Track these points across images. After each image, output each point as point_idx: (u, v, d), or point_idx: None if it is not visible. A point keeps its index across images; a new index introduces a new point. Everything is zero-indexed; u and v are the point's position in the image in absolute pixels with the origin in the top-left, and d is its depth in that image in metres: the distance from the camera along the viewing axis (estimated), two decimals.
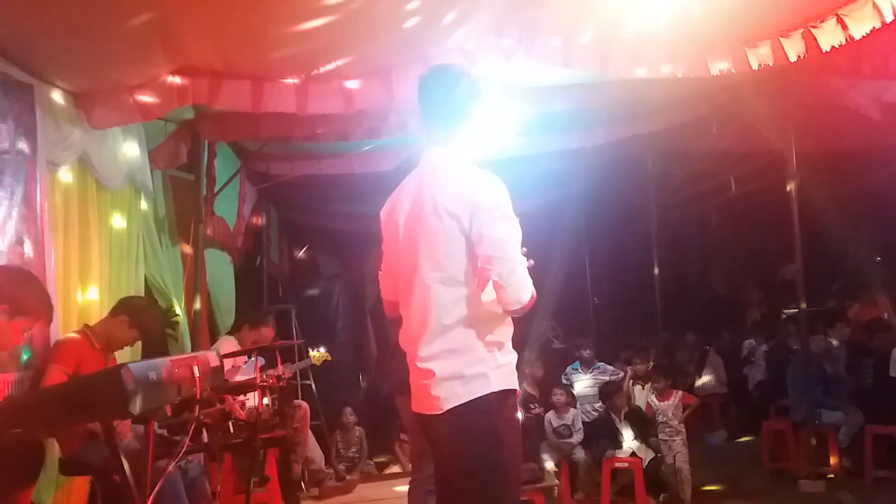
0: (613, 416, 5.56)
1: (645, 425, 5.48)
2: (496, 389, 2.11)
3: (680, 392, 5.64)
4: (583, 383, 6.21)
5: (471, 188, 2.14)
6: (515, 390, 2.21)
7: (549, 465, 5.37)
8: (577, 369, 6.33)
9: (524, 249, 2.17)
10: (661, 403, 5.48)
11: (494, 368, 2.13)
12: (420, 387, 2.19)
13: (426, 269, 2.15)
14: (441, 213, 2.11)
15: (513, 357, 2.22)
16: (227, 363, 4.70)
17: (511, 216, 2.14)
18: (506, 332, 2.21)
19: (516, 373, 2.23)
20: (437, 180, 2.19)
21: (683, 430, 5.43)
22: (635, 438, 5.36)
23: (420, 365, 2.18)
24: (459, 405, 2.09)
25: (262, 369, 4.33)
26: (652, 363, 6.34)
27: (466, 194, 2.12)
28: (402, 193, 2.32)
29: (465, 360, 2.11)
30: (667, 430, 5.40)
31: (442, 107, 2.27)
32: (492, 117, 4.81)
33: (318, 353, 5.77)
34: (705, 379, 7.87)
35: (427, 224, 2.15)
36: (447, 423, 2.12)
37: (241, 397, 4.02)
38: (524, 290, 2.10)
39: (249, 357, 4.34)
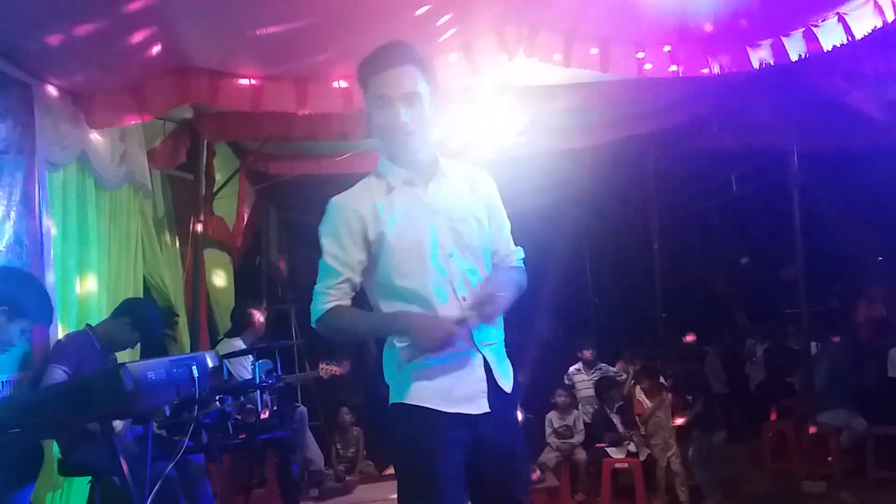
0: (606, 408, 5.56)
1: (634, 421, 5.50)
2: (394, 401, 2.01)
3: (669, 394, 5.64)
4: (585, 384, 6.20)
5: None
6: (414, 406, 1.95)
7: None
8: (579, 370, 6.31)
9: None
10: (651, 404, 5.48)
11: (393, 380, 2.04)
12: None
13: None
14: None
15: (414, 371, 1.97)
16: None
17: (323, 235, 2.02)
18: (409, 345, 2.00)
19: (422, 385, 1.96)
20: None
21: (673, 431, 5.43)
22: (627, 431, 5.38)
23: None
24: None
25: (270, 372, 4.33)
26: (641, 363, 6.33)
27: None
28: None
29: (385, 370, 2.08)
30: (659, 432, 5.39)
31: None
32: (490, 118, 4.87)
33: (329, 367, 5.49)
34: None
35: None
36: None
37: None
38: (312, 315, 2.03)
39: (257, 359, 4.33)
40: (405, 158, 2.01)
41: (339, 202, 2.03)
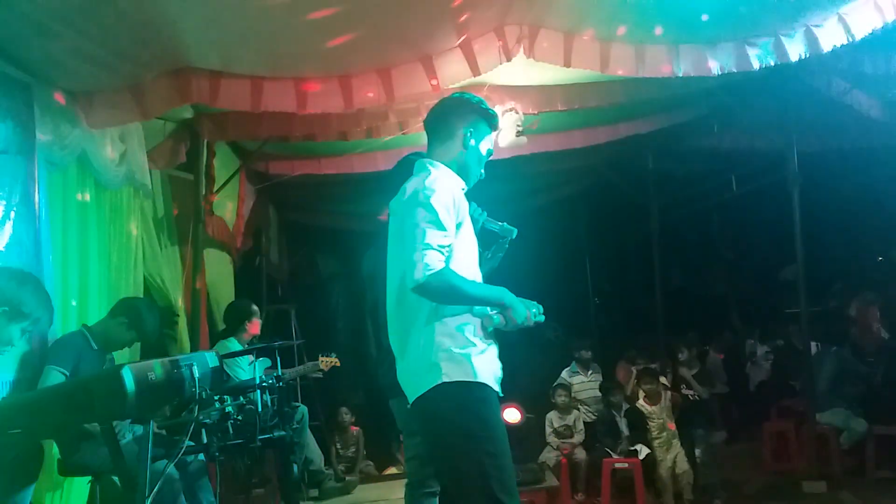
0: (614, 412, 5.56)
1: (643, 425, 5.48)
2: (457, 379, 2.17)
3: (669, 393, 5.64)
4: (583, 385, 6.19)
5: (407, 185, 2.28)
6: (478, 383, 2.18)
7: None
8: (576, 371, 6.31)
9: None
10: (653, 407, 5.47)
11: (445, 360, 2.18)
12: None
13: (391, 269, 2.32)
14: (392, 213, 2.31)
15: (471, 349, 2.20)
16: None
17: (431, 206, 2.16)
18: (461, 323, 2.22)
19: (483, 366, 2.21)
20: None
21: (675, 430, 5.42)
22: (632, 437, 5.36)
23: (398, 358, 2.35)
24: (420, 396, 2.21)
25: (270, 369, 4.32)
26: (640, 366, 6.32)
27: (402, 191, 2.28)
28: None
29: (421, 353, 2.22)
30: (662, 433, 5.38)
31: (430, 126, 2.48)
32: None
33: (328, 359, 5.42)
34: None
35: (391, 227, 2.34)
36: (416, 413, 2.25)
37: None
38: (416, 270, 2.10)
39: (256, 357, 4.33)
40: (470, 180, 2.43)
41: (451, 181, 2.32)
